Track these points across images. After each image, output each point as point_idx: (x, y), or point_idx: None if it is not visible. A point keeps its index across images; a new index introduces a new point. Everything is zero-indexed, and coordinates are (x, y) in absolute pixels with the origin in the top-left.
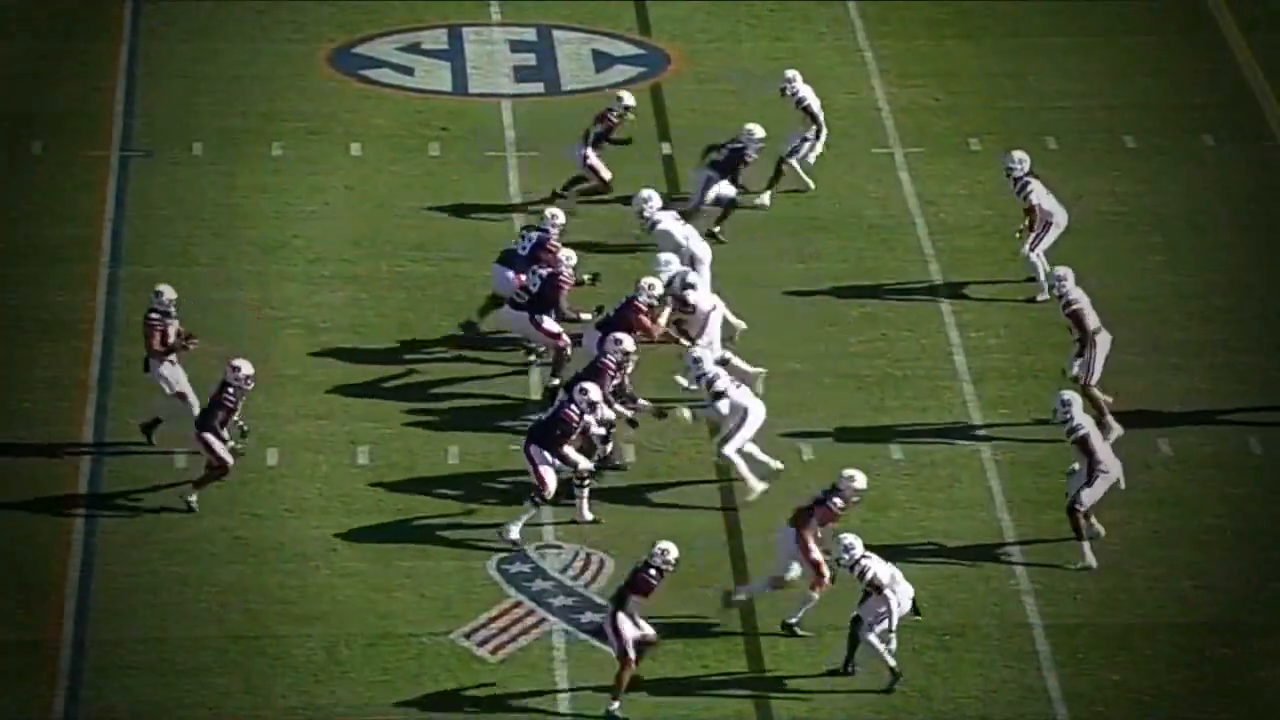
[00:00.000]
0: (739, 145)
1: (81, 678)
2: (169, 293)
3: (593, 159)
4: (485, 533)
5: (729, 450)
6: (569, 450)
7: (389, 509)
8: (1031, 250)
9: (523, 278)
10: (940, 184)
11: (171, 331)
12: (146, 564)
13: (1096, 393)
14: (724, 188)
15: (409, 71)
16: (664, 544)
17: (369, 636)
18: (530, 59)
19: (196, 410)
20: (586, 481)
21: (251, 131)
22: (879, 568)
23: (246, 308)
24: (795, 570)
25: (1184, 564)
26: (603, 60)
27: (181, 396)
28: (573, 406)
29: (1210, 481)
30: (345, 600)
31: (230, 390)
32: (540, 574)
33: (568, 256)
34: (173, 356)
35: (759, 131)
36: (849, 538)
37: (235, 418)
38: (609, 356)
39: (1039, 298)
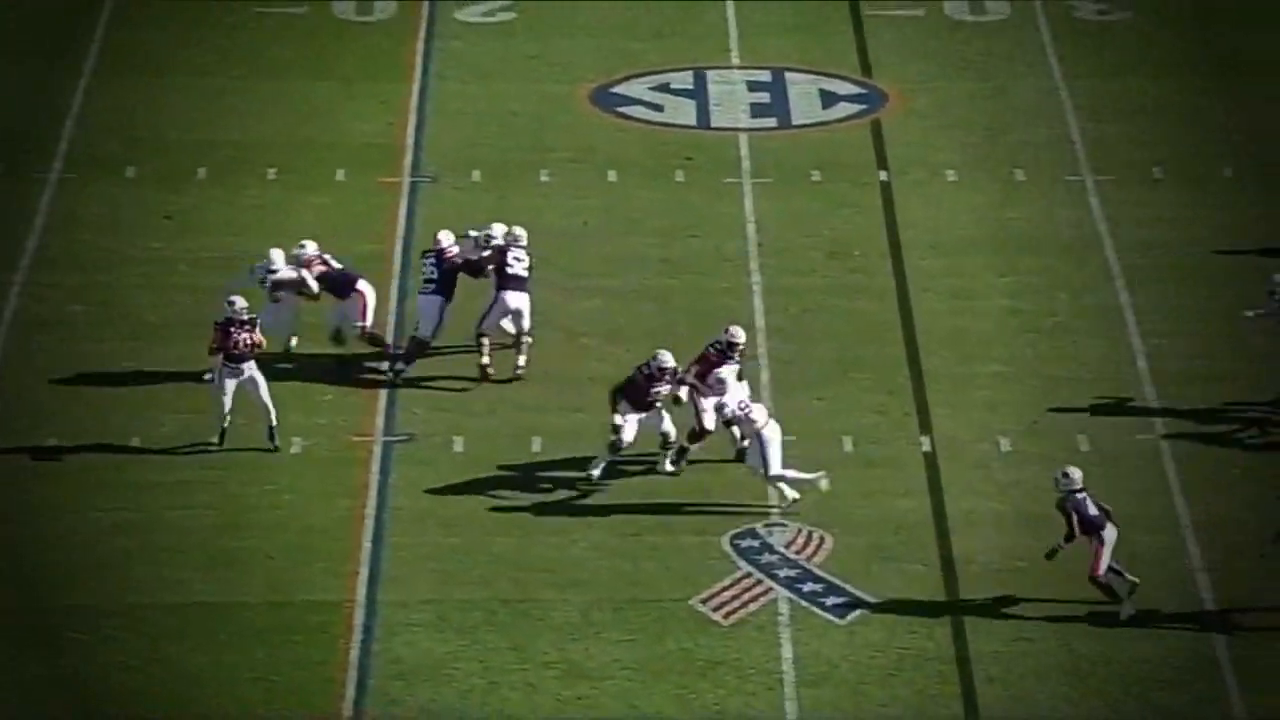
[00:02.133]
0: None
1: (372, 633)
2: (240, 302)
3: None
4: (720, 512)
5: (775, 472)
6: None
7: (637, 490)
8: None
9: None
10: (1126, 208)
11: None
12: (427, 536)
13: None
14: None
15: (659, 108)
16: None
17: (618, 601)
18: (765, 97)
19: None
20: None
21: (522, 161)
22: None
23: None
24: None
25: None
26: (829, 98)
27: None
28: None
29: None
30: (599, 569)
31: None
32: (768, 549)
33: (444, 234)
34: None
35: None
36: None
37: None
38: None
39: (1248, 313)
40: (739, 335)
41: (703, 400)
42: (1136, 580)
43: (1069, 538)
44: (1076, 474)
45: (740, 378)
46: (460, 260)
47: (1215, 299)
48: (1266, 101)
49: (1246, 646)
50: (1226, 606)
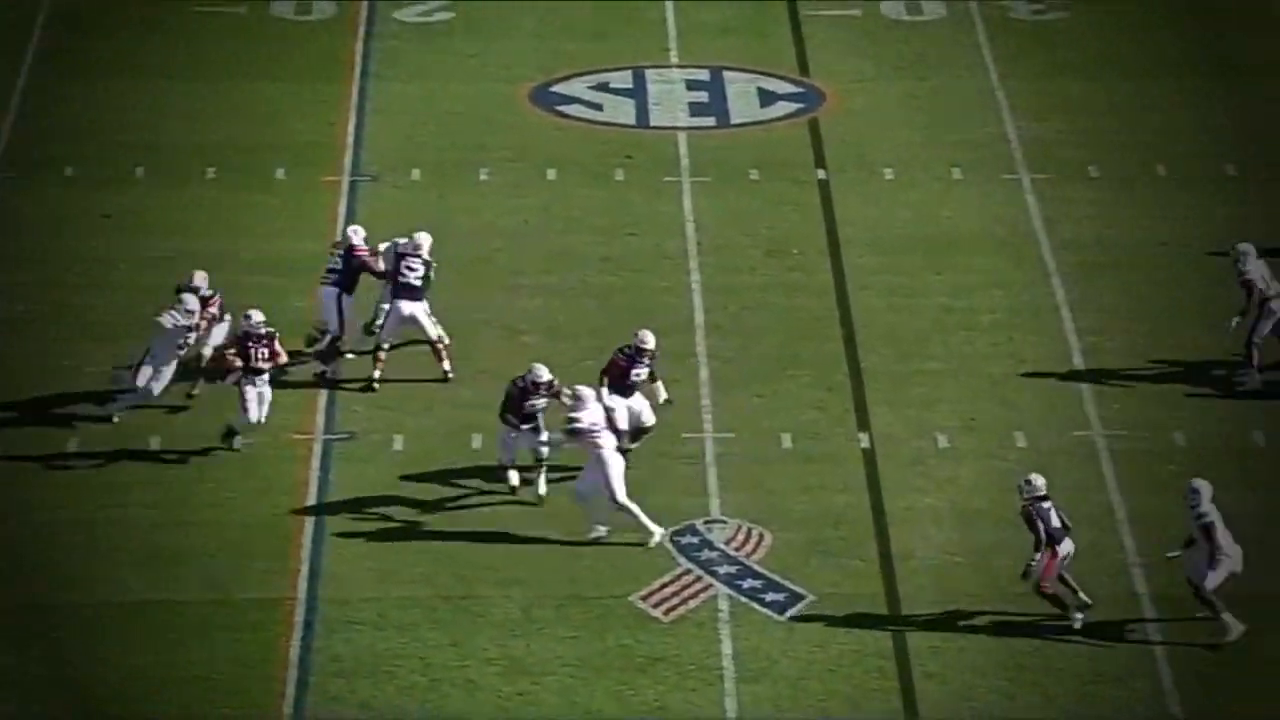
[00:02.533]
0: None
1: (313, 630)
2: (257, 315)
3: None
4: (660, 509)
5: (621, 499)
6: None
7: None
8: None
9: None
10: (1062, 206)
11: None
12: (368, 533)
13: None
14: None
15: (598, 107)
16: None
17: (559, 598)
18: (703, 96)
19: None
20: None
21: (462, 160)
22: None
23: (455, 312)
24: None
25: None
26: (767, 97)
27: None
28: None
29: None
30: (539, 566)
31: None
32: (707, 545)
33: (354, 230)
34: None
35: None
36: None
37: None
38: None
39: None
40: (648, 340)
41: (612, 404)
42: (1089, 601)
43: (1037, 546)
44: (1040, 481)
45: (653, 379)
46: (376, 266)
47: (1151, 296)
48: (1201, 100)
49: (1183, 642)
50: (1162, 602)
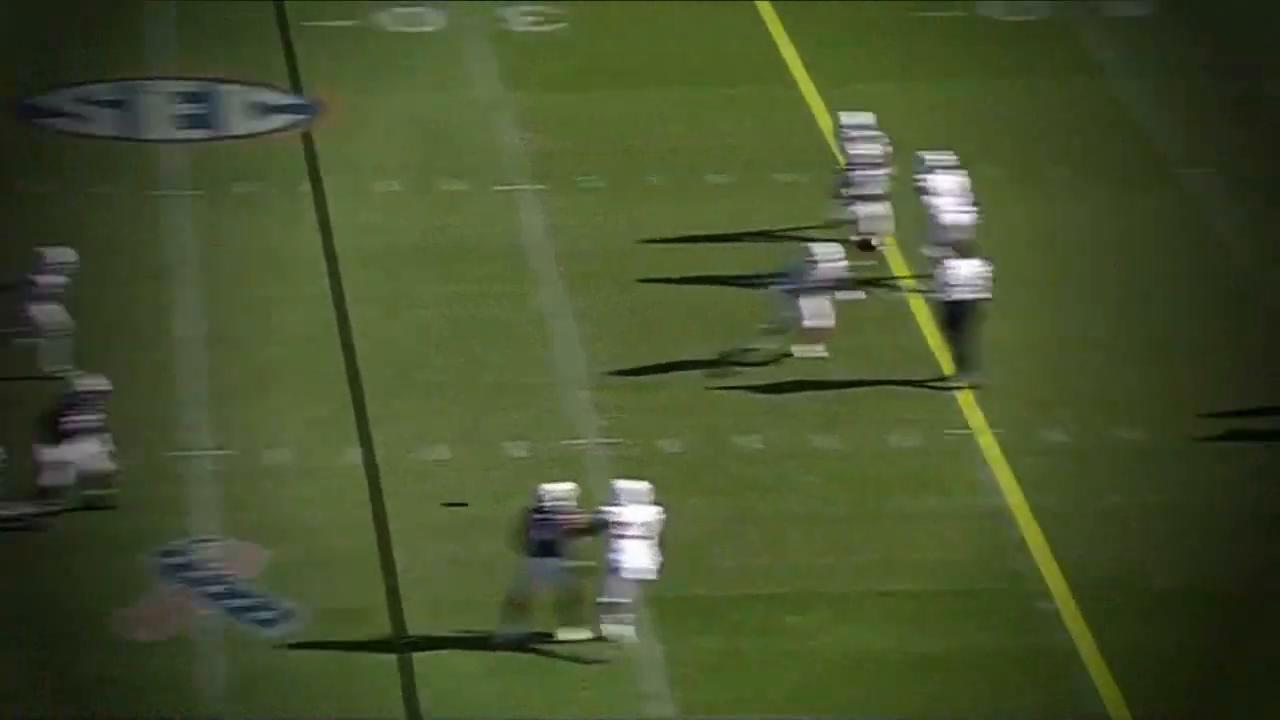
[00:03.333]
0: None
1: None
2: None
3: None
4: (148, 527)
5: None
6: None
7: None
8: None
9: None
10: (561, 216)
11: None
12: None
13: None
14: None
15: (85, 119)
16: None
17: (24, 617)
18: (196, 108)
19: None
20: None
21: None
22: None
23: None
24: None
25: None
26: (261, 110)
27: None
28: None
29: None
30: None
31: None
32: (195, 565)
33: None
34: None
35: None
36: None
37: None
38: None
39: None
40: (99, 385)
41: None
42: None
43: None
44: (544, 492)
45: (105, 428)
46: None
47: (651, 303)
48: (697, 109)
49: (677, 641)
50: (658, 603)
